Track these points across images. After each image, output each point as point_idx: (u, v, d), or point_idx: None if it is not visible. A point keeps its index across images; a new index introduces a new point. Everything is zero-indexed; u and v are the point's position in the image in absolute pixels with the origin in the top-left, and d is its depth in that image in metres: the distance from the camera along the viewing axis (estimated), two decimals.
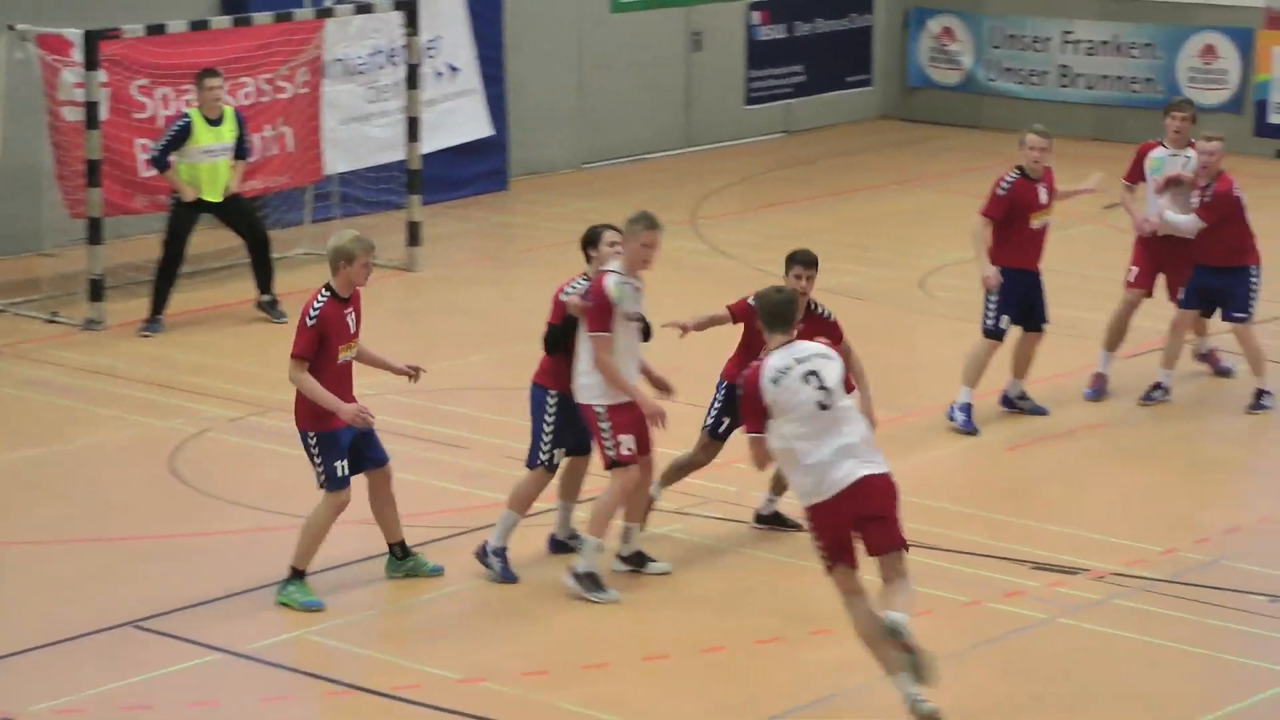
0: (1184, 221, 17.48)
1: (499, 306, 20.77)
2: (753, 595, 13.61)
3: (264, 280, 20.15)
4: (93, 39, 19.81)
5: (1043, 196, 17.46)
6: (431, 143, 23.61)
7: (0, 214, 20.80)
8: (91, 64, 19.77)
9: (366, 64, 23.24)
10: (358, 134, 22.99)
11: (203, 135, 19.68)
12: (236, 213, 20.07)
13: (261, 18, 21.61)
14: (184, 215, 19.83)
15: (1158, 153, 18.29)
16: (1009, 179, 17.33)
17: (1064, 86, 29.27)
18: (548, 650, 12.80)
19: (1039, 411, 17.16)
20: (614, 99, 27.62)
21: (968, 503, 15.22)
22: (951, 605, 13.36)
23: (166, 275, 19.81)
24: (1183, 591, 13.60)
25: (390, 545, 13.72)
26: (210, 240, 22.18)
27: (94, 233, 20.04)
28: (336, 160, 22.82)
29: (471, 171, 25.51)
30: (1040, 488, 15.72)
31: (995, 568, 13.96)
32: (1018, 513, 15.06)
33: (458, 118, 24.97)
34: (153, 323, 19.76)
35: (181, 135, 19.66)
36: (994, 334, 17.00)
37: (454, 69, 24.94)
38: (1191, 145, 18.06)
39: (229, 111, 19.98)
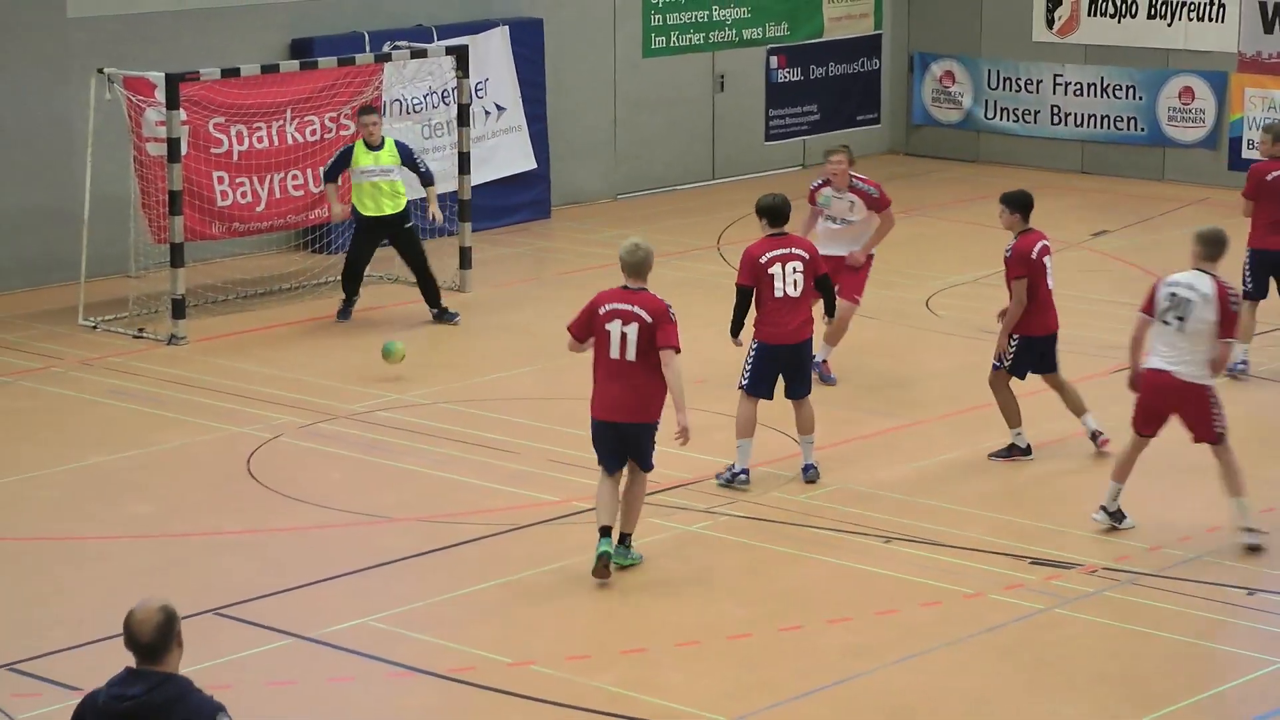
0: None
1: (541, 324, 20.75)
2: (774, 587, 13.58)
3: (432, 299, 20.59)
4: (174, 81, 19.84)
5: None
6: (480, 175, 23.64)
7: (91, 239, 20.81)
8: (173, 103, 19.80)
9: (421, 104, 23.28)
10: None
11: (362, 157, 20.26)
12: (405, 246, 20.56)
13: (326, 62, 21.63)
14: (359, 236, 20.59)
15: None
16: None
17: (1055, 124, 29.20)
18: (588, 636, 12.79)
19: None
20: (646, 135, 27.61)
21: (971, 503, 15.18)
22: (957, 597, 13.33)
23: (348, 275, 20.57)
24: (1167, 585, 13.56)
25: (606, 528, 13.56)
26: (280, 264, 22.24)
27: (176, 256, 20.06)
28: None
29: (516, 201, 25.51)
30: (1034, 490, 15.66)
31: (996, 562, 13.92)
32: (1016, 513, 15.01)
33: (504, 152, 25.02)
34: (344, 311, 20.54)
35: (343, 158, 20.41)
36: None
37: (500, 108, 24.98)
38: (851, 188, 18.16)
39: (390, 141, 20.46)
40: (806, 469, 15.41)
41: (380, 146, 20.29)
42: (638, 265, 13.40)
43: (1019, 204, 16.05)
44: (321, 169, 20.97)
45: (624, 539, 13.60)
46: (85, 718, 7.39)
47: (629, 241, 13.52)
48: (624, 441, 13.35)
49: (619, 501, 13.51)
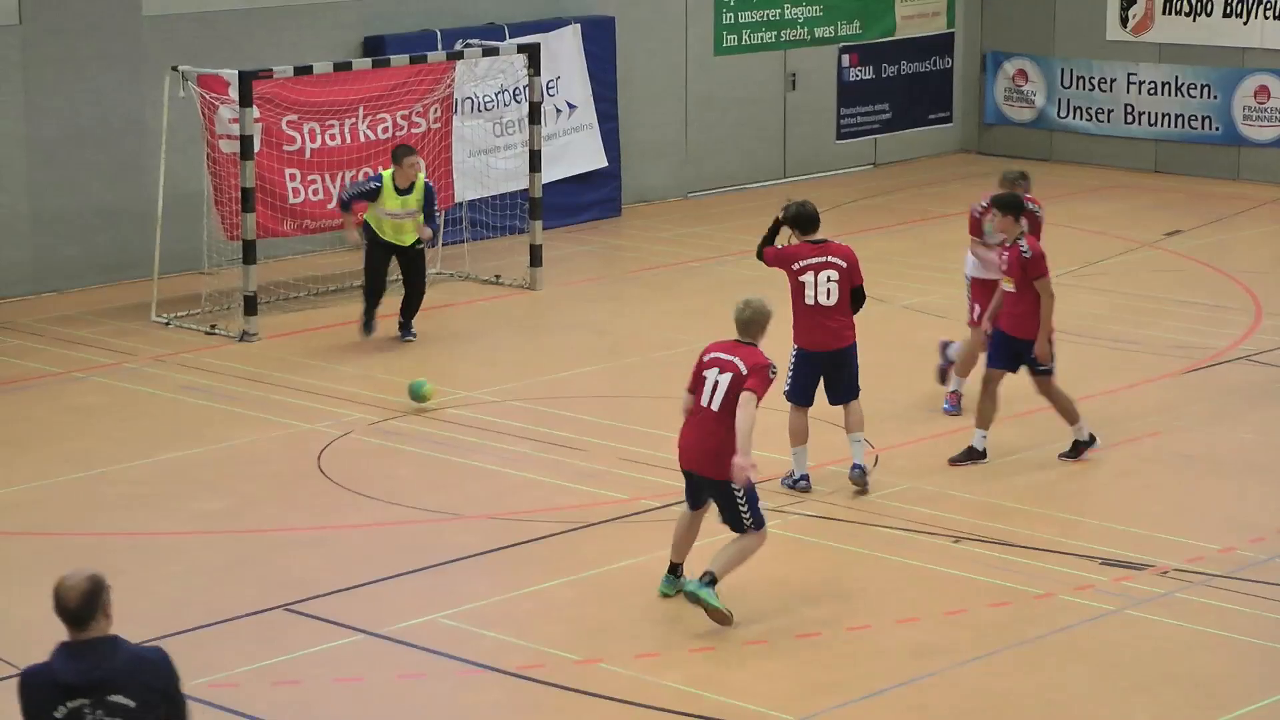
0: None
1: (612, 322, 20.79)
2: (843, 586, 13.55)
3: (408, 314, 20.00)
4: (247, 79, 19.93)
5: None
6: (551, 173, 23.67)
7: (164, 236, 20.94)
8: (246, 101, 19.89)
9: (493, 101, 23.32)
10: (485, 165, 23.08)
11: (390, 200, 19.45)
12: (410, 263, 19.81)
13: (398, 59, 21.69)
14: (375, 252, 19.75)
15: None
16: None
17: (1129, 123, 29.04)
18: (656, 635, 12.77)
19: None
20: (716, 134, 27.59)
21: (1041, 503, 15.11)
22: (1027, 597, 13.26)
23: (368, 294, 19.77)
24: (1240, 586, 13.47)
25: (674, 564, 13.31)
26: (351, 261, 22.31)
27: (248, 253, 20.17)
28: (466, 189, 22.92)
29: (587, 199, 25.54)
30: (1106, 490, 15.59)
31: (1066, 563, 13.85)
32: (1086, 513, 14.94)
33: (575, 150, 25.04)
34: (365, 327, 19.77)
35: (370, 193, 19.53)
36: None
37: (571, 106, 25.00)
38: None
39: (421, 183, 19.57)
40: (854, 469, 15.24)
41: (410, 190, 19.52)
42: (745, 323, 13.02)
43: (1014, 208, 15.71)
44: (342, 194, 20.12)
45: (711, 577, 12.83)
46: (38, 693, 7.42)
47: (741, 300, 13.22)
48: (703, 490, 13.00)
49: (691, 536, 13.22)
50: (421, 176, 19.63)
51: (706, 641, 12.54)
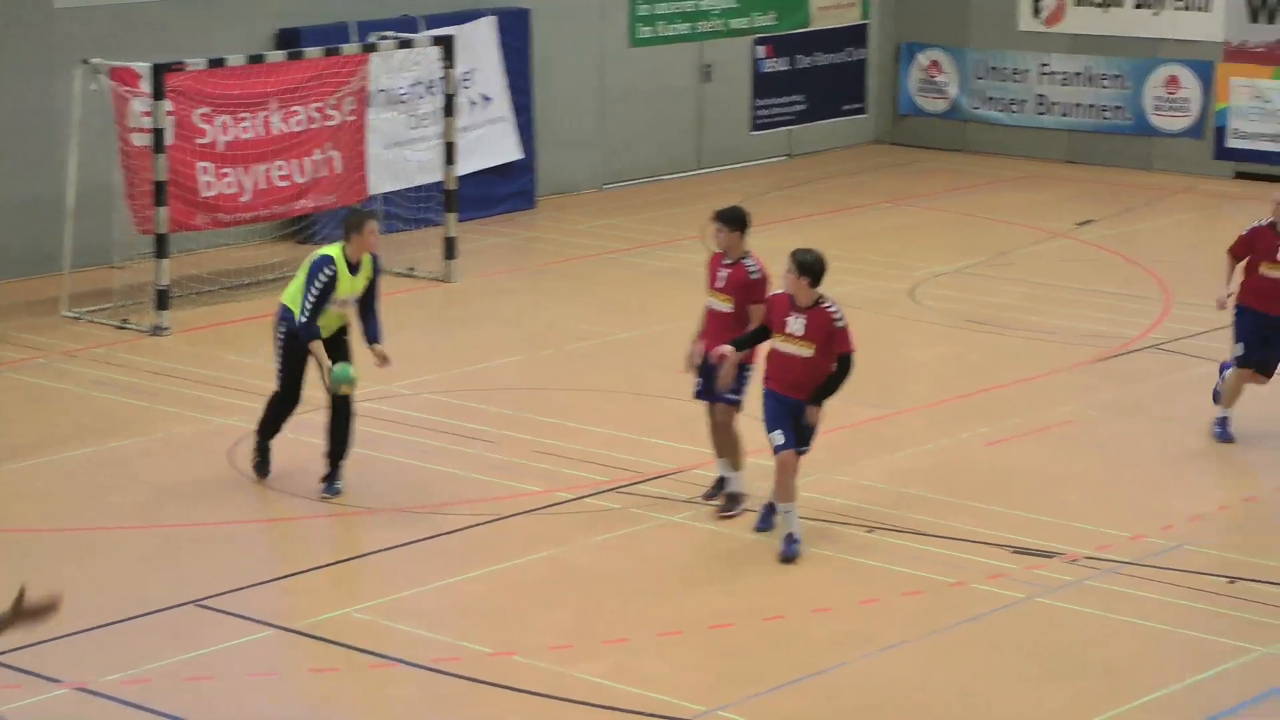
0: None
1: (527, 314, 20.75)
2: (757, 577, 13.55)
3: (337, 454, 15.24)
4: (159, 71, 19.79)
5: None
6: (466, 165, 23.59)
7: (75, 230, 20.76)
8: (158, 94, 19.76)
9: (408, 94, 23.22)
10: (399, 158, 22.99)
11: (344, 286, 14.89)
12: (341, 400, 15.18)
13: (312, 52, 21.58)
14: (297, 354, 15.11)
15: None
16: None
17: (1041, 114, 29.18)
18: (570, 627, 12.74)
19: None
20: (632, 125, 27.57)
21: (953, 493, 15.16)
22: (940, 586, 13.30)
23: (272, 420, 15.39)
24: (1149, 574, 13.54)
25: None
26: (264, 254, 22.17)
27: (160, 247, 20.03)
28: (380, 181, 22.81)
29: (502, 191, 25.47)
30: (1018, 479, 15.64)
31: (979, 552, 13.90)
32: (999, 502, 14.99)
33: (490, 143, 24.98)
34: (260, 467, 15.43)
35: (328, 291, 14.79)
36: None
37: (487, 98, 24.94)
38: None
39: (369, 260, 15.06)
40: (764, 522, 14.33)
41: (359, 267, 14.99)
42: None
43: (739, 222, 14.43)
44: (301, 316, 14.79)
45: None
46: None
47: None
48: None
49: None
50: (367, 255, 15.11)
51: (620, 632, 12.53)
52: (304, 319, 14.80)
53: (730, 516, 14.47)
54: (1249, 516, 14.83)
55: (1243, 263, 16.35)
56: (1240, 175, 27.58)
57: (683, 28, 28.07)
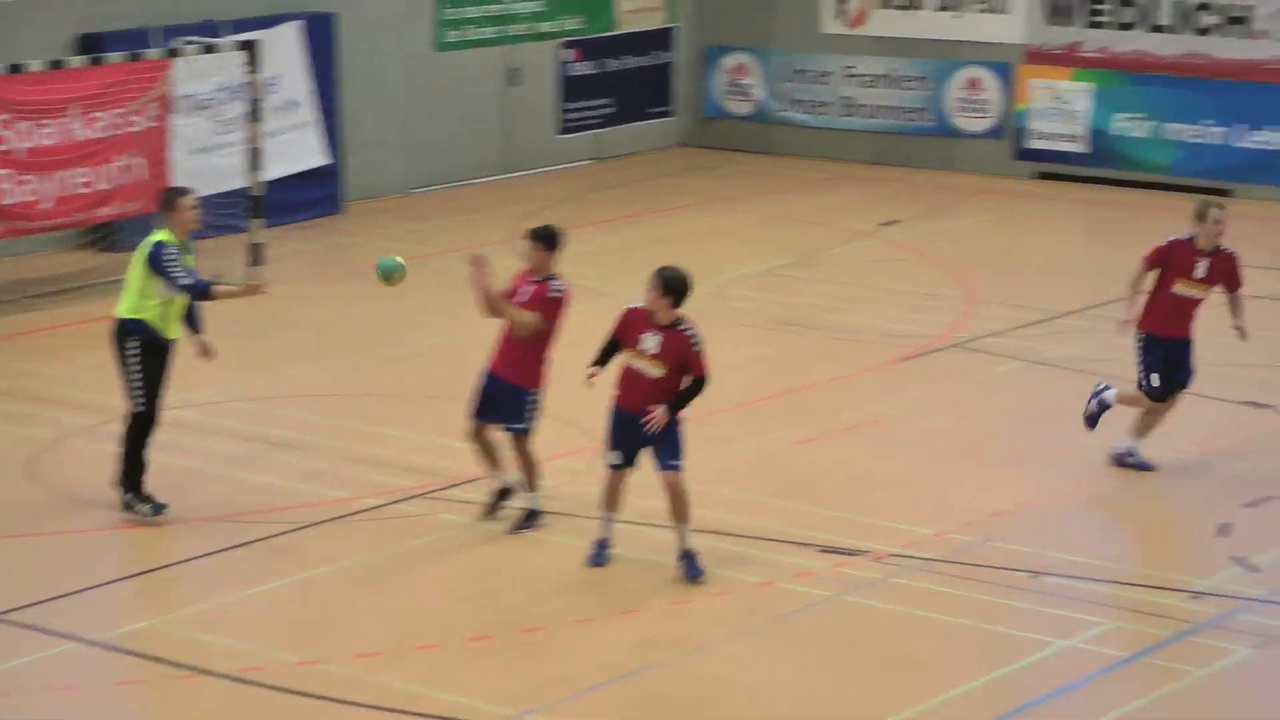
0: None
1: (335, 320, 20.59)
2: (567, 580, 13.54)
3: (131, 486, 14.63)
4: None
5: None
6: (273, 170, 23.37)
7: None
8: None
9: (212, 99, 22.99)
10: (205, 163, 22.74)
11: (189, 257, 14.48)
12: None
13: (114, 57, 21.29)
14: (155, 362, 14.30)
15: None
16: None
17: (845, 116, 29.43)
18: (381, 634, 12.65)
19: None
20: (439, 129, 27.44)
21: (763, 492, 15.24)
22: (748, 586, 13.37)
23: (136, 457, 14.49)
24: (953, 570, 13.70)
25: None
26: (68, 262, 21.84)
27: None
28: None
29: (309, 196, 25.27)
30: (824, 477, 15.75)
31: (785, 551, 13.99)
32: (807, 501, 15.08)
33: (297, 147, 24.77)
34: (156, 509, 14.51)
35: (179, 258, 14.24)
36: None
37: (293, 103, 24.73)
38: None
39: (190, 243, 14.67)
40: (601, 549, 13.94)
41: (189, 251, 14.58)
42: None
43: (551, 241, 14.13)
44: (182, 282, 14.20)
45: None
46: None
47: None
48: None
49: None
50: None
51: (430, 639, 12.47)
52: (187, 281, 14.14)
53: (523, 532, 14.36)
54: (1050, 512, 15.03)
55: (1152, 274, 15.50)
56: (1042, 175, 27.99)
57: (489, 31, 28.00)
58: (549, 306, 14.05)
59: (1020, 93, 28.12)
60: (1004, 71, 28.21)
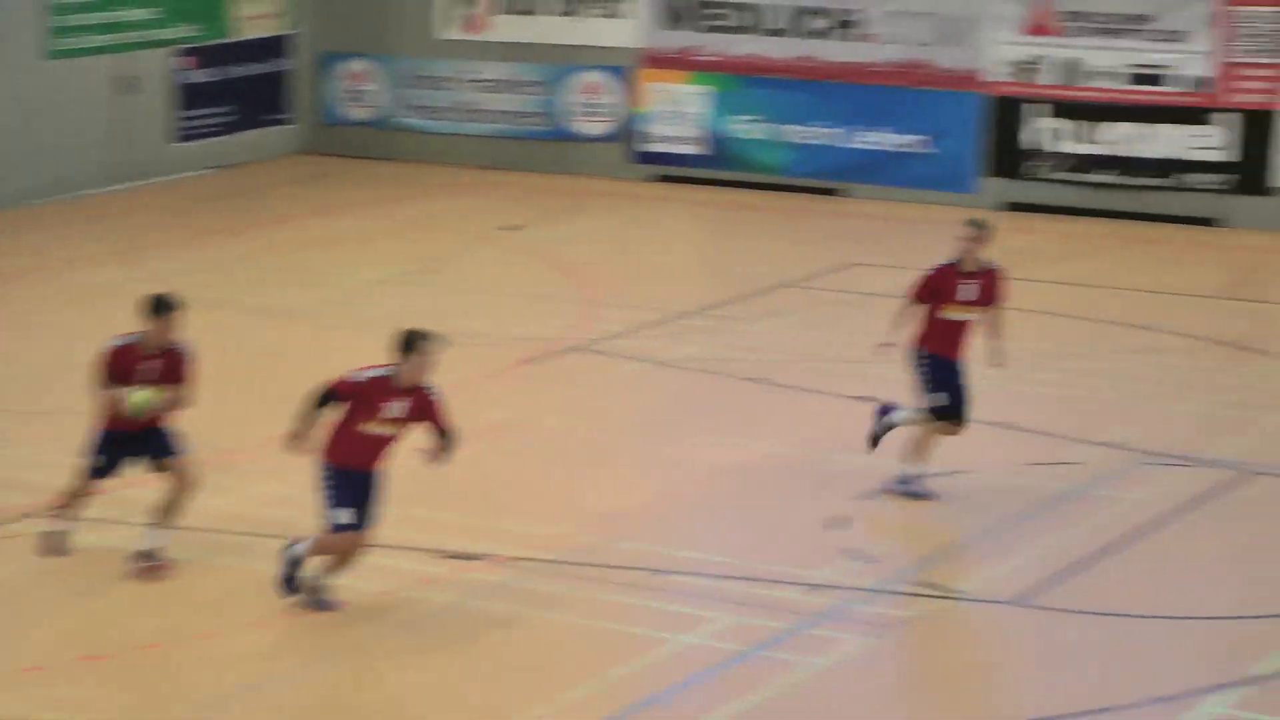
0: None
1: None
2: (190, 594, 13.27)
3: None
4: None
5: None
6: None
7: None
8: None
9: None
10: None
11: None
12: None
13: None
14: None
15: None
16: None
17: (465, 121, 29.42)
18: None
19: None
20: (46, 140, 26.71)
21: (387, 500, 15.08)
22: (369, 594, 13.25)
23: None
24: (574, 571, 13.76)
25: None
26: None
27: None
28: None
29: None
30: (447, 481, 15.64)
31: (407, 558, 13.89)
32: (428, 506, 14.97)
33: None
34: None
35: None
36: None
37: None
38: None
39: None
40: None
41: None
42: None
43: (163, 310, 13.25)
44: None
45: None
46: None
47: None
48: None
49: None
50: None
51: (37, 661, 12.13)
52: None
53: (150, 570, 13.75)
54: (670, 510, 15.19)
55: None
56: (661, 178, 28.30)
57: (102, 39, 27.41)
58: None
59: (638, 96, 28.42)
60: (622, 75, 28.48)
